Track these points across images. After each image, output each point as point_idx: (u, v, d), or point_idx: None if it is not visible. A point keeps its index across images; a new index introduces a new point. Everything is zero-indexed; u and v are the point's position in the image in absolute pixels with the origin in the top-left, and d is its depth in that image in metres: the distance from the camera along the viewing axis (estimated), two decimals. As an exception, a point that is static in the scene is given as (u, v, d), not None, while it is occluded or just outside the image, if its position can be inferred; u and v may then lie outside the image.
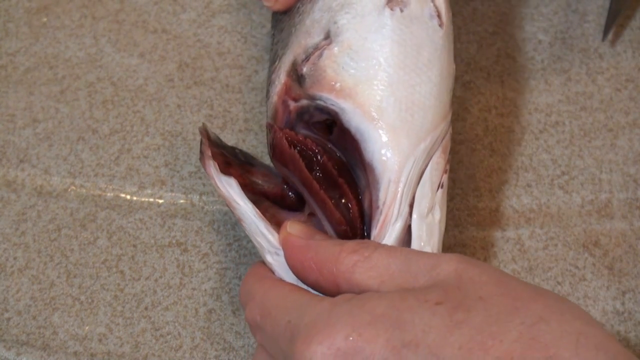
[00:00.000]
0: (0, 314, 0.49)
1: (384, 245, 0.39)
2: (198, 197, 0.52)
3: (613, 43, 0.59)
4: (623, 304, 0.49)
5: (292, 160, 0.43)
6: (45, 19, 0.60)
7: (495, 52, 0.59)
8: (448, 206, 0.52)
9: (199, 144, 0.45)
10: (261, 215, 0.42)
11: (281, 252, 0.41)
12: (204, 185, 0.53)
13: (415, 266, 0.37)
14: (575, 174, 0.54)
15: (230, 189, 0.43)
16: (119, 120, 0.55)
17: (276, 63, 0.47)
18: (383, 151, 0.42)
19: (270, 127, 0.45)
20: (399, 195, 0.42)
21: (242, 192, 0.43)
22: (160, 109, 0.56)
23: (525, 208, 0.53)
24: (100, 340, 0.48)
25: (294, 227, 0.41)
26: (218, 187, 0.43)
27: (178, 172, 0.53)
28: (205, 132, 0.46)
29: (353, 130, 0.43)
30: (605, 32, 0.59)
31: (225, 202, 0.44)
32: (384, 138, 0.42)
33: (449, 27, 0.45)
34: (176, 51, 0.58)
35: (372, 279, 0.37)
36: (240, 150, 0.48)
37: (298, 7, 0.48)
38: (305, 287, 0.40)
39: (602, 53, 0.59)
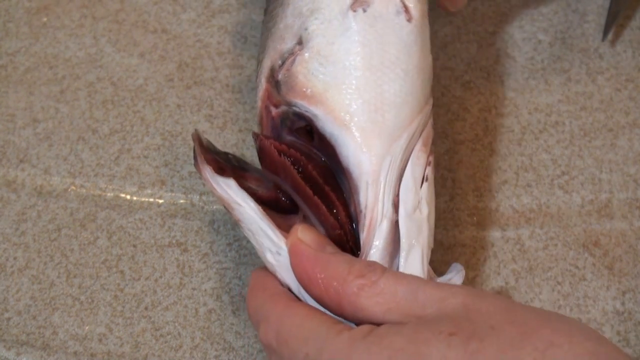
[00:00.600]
0: (0, 314, 0.49)
1: (391, 271, 0.39)
2: (198, 197, 0.52)
3: (613, 43, 0.59)
4: (623, 304, 0.49)
5: (284, 168, 0.43)
6: (45, 19, 0.60)
7: (495, 52, 0.59)
8: (448, 206, 0.52)
9: (193, 150, 0.45)
10: (264, 212, 0.42)
11: (283, 252, 0.41)
12: (204, 185, 0.53)
13: (422, 296, 0.37)
14: (575, 174, 0.54)
15: (229, 189, 0.43)
16: (119, 120, 0.55)
17: (258, 68, 0.47)
18: (357, 155, 0.42)
19: (256, 137, 0.45)
20: (380, 197, 0.42)
21: (242, 190, 0.42)
22: (160, 109, 0.56)
23: (525, 208, 0.53)
24: (100, 340, 0.48)
25: (305, 233, 0.41)
26: (215, 190, 0.43)
27: (178, 172, 0.53)
28: (197, 138, 0.46)
29: (328, 136, 0.43)
30: (605, 32, 0.59)
31: (223, 204, 0.43)
32: (357, 141, 0.42)
33: (419, 21, 0.44)
34: (176, 51, 0.58)
35: (378, 305, 0.37)
36: (234, 155, 0.48)
37: (270, 11, 0.48)
38: (310, 300, 0.40)
39: (602, 53, 0.59)
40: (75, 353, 0.47)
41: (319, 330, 0.37)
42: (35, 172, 0.53)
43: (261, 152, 0.44)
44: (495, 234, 0.52)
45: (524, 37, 0.59)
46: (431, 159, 0.44)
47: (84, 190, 0.53)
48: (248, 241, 0.51)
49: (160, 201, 0.53)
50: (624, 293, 0.50)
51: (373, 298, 0.37)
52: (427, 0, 0.45)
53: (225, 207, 0.43)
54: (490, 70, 0.58)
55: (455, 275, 0.42)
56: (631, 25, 0.60)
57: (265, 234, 0.42)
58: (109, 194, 0.53)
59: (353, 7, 0.44)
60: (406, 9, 0.44)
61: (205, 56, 0.58)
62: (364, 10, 0.44)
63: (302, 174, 0.43)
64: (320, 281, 0.39)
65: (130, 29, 0.59)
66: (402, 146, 0.42)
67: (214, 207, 0.52)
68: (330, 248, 0.41)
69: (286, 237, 0.41)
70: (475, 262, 0.51)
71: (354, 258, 0.40)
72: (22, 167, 0.54)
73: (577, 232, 0.52)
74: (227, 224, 0.52)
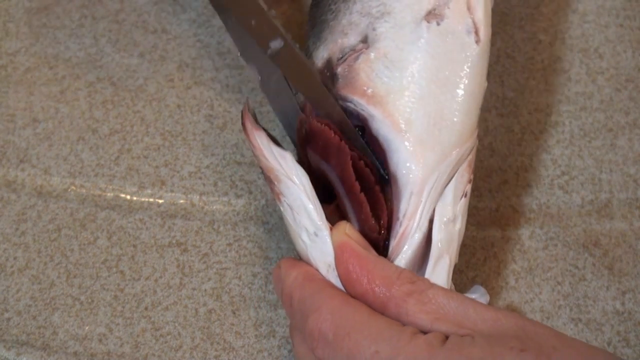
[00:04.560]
0: (0, 314, 0.49)
1: (438, 285, 0.40)
2: (198, 197, 0.52)
3: (613, 43, 0.59)
4: (623, 304, 0.49)
5: (339, 154, 0.43)
6: (45, 19, 0.60)
7: (495, 52, 0.59)
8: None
9: (241, 115, 0.44)
10: (314, 192, 0.42)
11: (321, 234, 0.41)
12: (204, 185, 0.53)
13: (474, 313, 0.37)
14: (575, 174, 0.54)
15: (284, 161, 0.42)
16: (119, 120, 0.55)
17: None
18: (408, 164, 0.42)
19: (305, 120, 0.44)
20: (420, 209, 0.42)
21: (298, 165, 0.42)
22: (160, 109, 0.56)
23: (525, 208, 0.53)
24: (100, 340, 0.48)
25: (352, 232, 0.41)
26: (266, 159, 0.43)
27: (178, 172, 0.53)
28: (247, 103, 0.45)
29: (381, 140, 0.43)
30: None
31: (267, 175, 0.43)
32: (410, 150, 0.42)
33: (485, 44, 0.45)
34: (176, 51, 0.58)
35: (425, 313, 0.38)
36: (269, 133, 0.46)
37: (329, 4, 0.47)
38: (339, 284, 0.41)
39: (602, 53, 0.59)
40: (75, 353, 0.47)
41: (389, 331, 0.37)
42: (35, 172, 0.53)
43: (315, 135, 0.44)
44: (495, 234, 0.52)
45: (524, 37, 0.59)
46: (472, 176, 0.44)
47: (84, 190, 0.53)
48: (248, 241, 0.51)
49: (160, 201, 0.53)
50: (624, 293, 0.50)
51: (420, 306, 0.38)
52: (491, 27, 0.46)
53: (267, 177, 0.43)
54: (490, 70, 0.58)
55: (479, 299, 0.43)
56: (631, 25, 0.60)
57: (307, 213, 0.42)
58: (109, 194, 0.53)
59: (427, 18, 0.44)
60: (476, 31, 0.44)
61: (205, 56, 0.58)
62: (438, 24, 0.44)
63: (354, 168, 0.43)
64: (366, 279, 0.39)
65: (130, 29, 0.59)
66: (450, 164, 0.43)
67: (214, 207, 0.52)
68: (373, 251, 0.41)
69: (329, 224, 0.41)
70: (475, 262, 0.51)
71: (400, 266, 0.41)
72: (22, 167, 0.54)
73: (577, 232, 0.52)
74: (227, 224, 0.52)
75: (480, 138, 0.55)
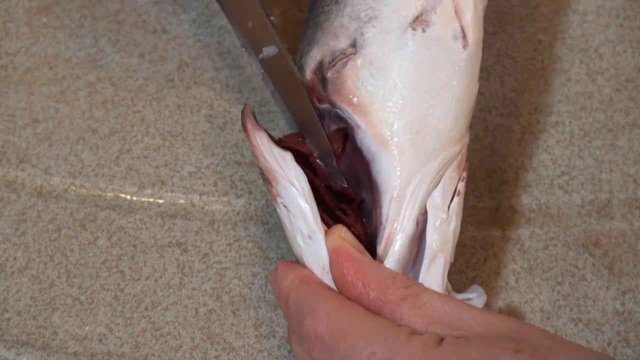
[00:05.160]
0: (0, 314, 0.49)
1: (432, 289, 0.40)
2: (198, 197, 0.52)
3: (613, 43, 0.59)
4: (623, 304, 0.49)
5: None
6: (45, 19, 0.60)
7: (495, 52, 0.59)
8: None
9: (241, 114, 0.44)
10: (312, 195, 0.42)
11: (315, 237, 0.41)
12: (204, 185, 0.53)
13: (468, 316, 0.38)
14: (575, 174, 0.54)
15: (284, 162, 0.42)
16: (119, 120, 0.55)
17: (302, 59, 0.47)
18: (388, 171, 0.42)
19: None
20: (402, 212, 0.42)
21: (298, 167, 0.42)
22: (160, 109, 0.56)
23: (525, 208, 0.53)
24: (100, 340, 0.48)
25: (348, 235, 0.41)
26: (265, 159, 0.43)
27: (178, 172, 0.53)
28: (247, 104, 0.45)
29: (365, 150, 0.43)
30: None
31: (265, 176, 0.43)
32: (392, 159, 0.42)
33: (474, 49, 0.44)
34: (176, 51, 0.58)
35: (419, 317, 0.38)
36: (269, 134, 0.46)
37: (322, 7, 0.47)
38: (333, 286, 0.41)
39: (602, 53, 0.59)
40: (75, 353, 0.47)
41: (385, 332, 0.37)
42: (35, 172, 0.53)
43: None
44: (495, 234, 0.52)
45: (524, 37, 0.59)
46: (464, 175, 0.44)
47: (84, 190, 0.53)
48: (248, 241, 0.51)
49: (160, 201, 0.53)
50: (624, 293, 0.50)
51: (414, 310, 0.38)
52: (482, 29, 0.45)
53: (266, 178, 0.43)
54: (490, 70, 0.58)
55: (477, 298, 0.43)
56: (631, 25, 0.60)
57: (302, 215, 0.42)
58: (109, 194, 0.53)
59: (413, 24, 0.44)
60: (464, 35, 0.44)
61: (205, 56, 0.58)
62: (423, 31, 0.44)
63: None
64: (361, 283, 0.39)
65: (130, 29, 0.59)
66: (435, 168, 0.43)
67: (214, 207, 0.52)
68: (369, 255, 0.41)
69: (325, 227, 0.41)
70: (475, 262, 0.51)
71: (394, 270, 0.41)
72: (22, 167, 0.54)
73: (577, 232, 0.52)
74: (227, 224, 0.52)
75: (480, 138, 0.55)
